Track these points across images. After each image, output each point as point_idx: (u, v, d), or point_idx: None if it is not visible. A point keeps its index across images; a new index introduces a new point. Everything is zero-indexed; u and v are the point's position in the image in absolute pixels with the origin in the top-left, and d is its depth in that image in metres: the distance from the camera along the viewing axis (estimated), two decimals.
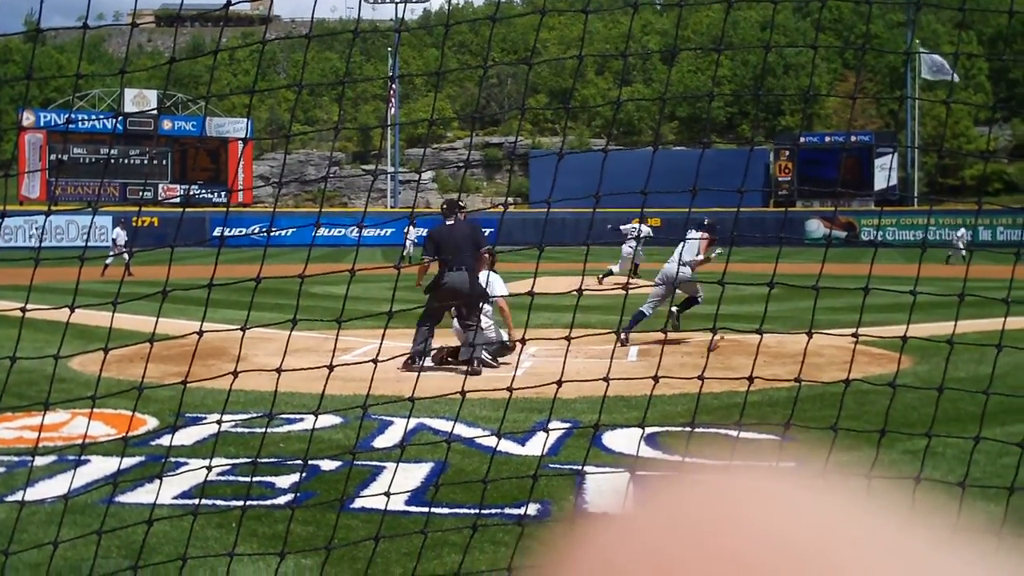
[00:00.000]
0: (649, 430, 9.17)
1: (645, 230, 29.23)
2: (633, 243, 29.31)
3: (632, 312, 15.59)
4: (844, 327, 6.52)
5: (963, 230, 51.82)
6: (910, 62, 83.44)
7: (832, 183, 74.00)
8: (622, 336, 14.99)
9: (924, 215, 71.56)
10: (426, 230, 15.14)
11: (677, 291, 15.80)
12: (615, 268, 29.85)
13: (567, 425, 9.76)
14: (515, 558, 5.35)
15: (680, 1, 5.58)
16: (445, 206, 14.63)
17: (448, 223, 14.32)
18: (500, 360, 14.21)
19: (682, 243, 16.09)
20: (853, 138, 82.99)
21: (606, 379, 4.91)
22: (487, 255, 14.28)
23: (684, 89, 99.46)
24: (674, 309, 15.51)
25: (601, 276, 28.42)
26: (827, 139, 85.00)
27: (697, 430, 8.46)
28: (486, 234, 15.53)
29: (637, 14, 5.19)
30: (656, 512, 0.49)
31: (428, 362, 13.42)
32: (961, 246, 45.72)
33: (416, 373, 7.10)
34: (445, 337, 14.30)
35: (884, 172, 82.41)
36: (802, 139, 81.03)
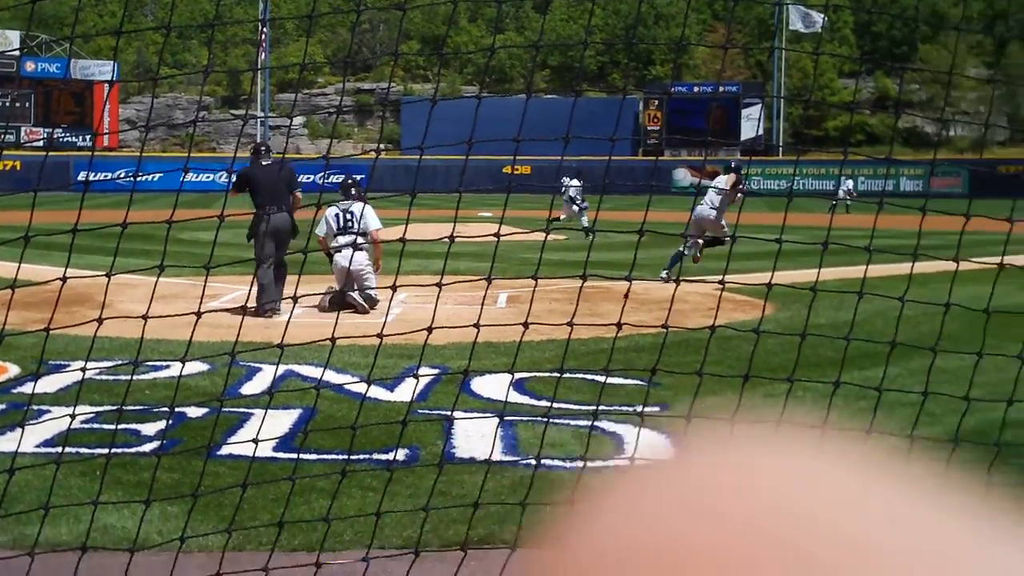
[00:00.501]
0: (518, 376, 9.23)
1: (567, 181, 29.38)
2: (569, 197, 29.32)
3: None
4: (710, 274, 6.63)
5: (850, 181, 52.71)
6: (779, 13, 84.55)
7: (700, 132, 74.83)
8: (663, 275, 16.60)
9: (790, 165, 72.83)
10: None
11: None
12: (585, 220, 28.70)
13: (436, 371, 9.80)
14: (384, 503, 5.37)
15: None
16: (254, 147, 14.59)
17: (263, 163, 14.17)
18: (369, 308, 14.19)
19: (713, 188, 17.61)
20: (721, 88, 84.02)
21: (476, 325, 4.94)
22: (299, 196, 14.25)
23: (556, 38, 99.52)
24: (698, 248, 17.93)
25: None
26: (696, 89, 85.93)
27: (565, 375, 8.56)
28: (358, 179, 15.53)
29: None
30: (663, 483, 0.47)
31: (299, 309, 13.33)
32: (844, 196, 46.57)
33: (286, 319, 7.06)
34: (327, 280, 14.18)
35: (751, 122, 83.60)
36: (672, 89, 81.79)
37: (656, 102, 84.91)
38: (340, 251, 14.00)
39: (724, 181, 18.11)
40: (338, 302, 13.30)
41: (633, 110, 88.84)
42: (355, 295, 13.96)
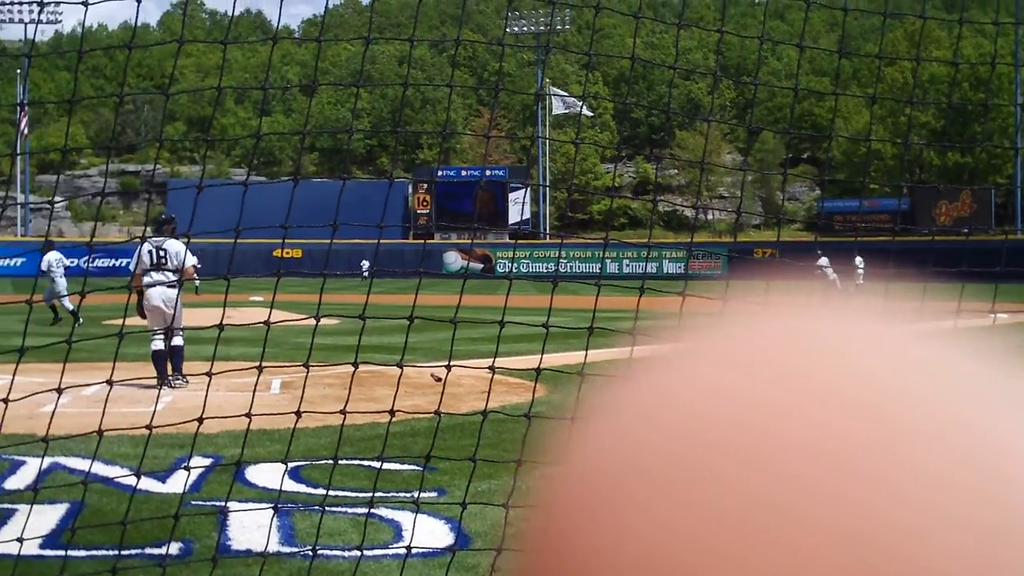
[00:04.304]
0: (292, 464, 9.16)
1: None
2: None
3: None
4: (482, 357, 6.73)
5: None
6: (541, 101, 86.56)
7: (469, 216, 75.76)
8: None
9: (555, 248, 74.24)
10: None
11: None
12: None
13: (209, 460, 9.62)
14: None
15: (319, 37, 5.67)
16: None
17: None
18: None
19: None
20: (488, 172, 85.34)
21: (248, 415, 4.91)
22: None
23: (324, 121, 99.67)
24: None
25: None
26: (463, 173, 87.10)
27: (341, 462, 8.53)
28: (173, 217, 15.65)
29: (276, 46, 5.24)
30: (722, 348, 0.42)
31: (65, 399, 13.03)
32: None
33: (52, 410, 6.87)
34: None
35: (518, 206, 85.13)
36: (439, 173, 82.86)
37: (425, 186, 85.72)
38: (153, 287, 14.15)
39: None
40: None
41: (403, 193, 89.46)
42: (176, 380, 14.08)
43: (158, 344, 14.30)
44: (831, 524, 0.35)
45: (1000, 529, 0.35)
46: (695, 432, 0.38)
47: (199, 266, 14.92)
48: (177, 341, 14.43)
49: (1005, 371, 0.39)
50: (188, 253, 14.63)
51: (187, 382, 13.87)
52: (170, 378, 14.01)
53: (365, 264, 31.28)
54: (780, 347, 0.40)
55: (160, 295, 14.25)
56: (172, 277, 14.26)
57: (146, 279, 14.35)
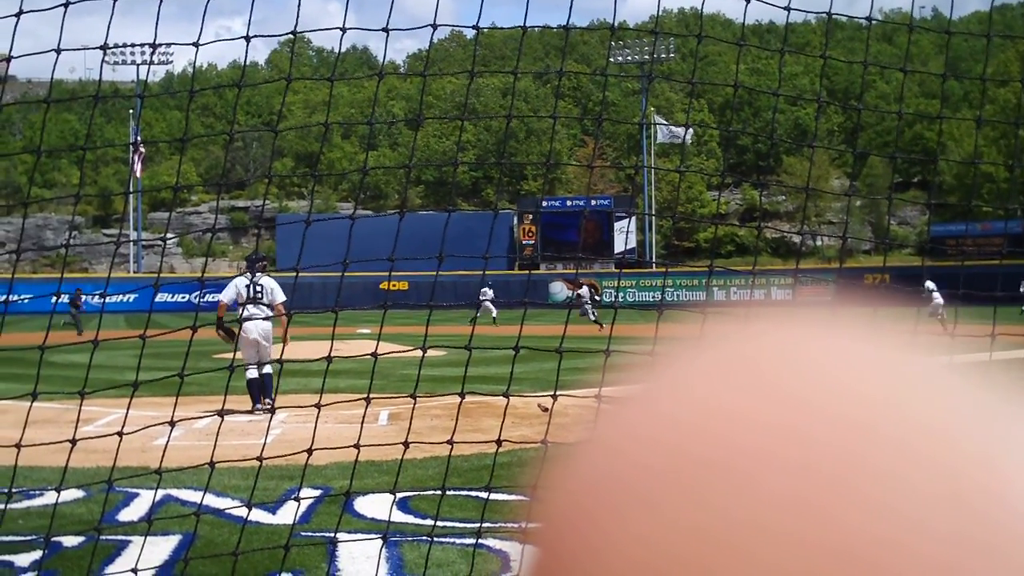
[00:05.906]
0: (401, 495, 9.18)
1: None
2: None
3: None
4: (588, 387, 6.70)
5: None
6: (645, 130, 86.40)
7: (574, 246, 75.72)
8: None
9: (661, 276, 73.87)
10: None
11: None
12: None
13: (318, 492, 9.69)
14: None
15: (424, 71, 5.71)
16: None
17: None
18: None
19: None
20: (593, 202, 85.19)
21: (356, 446, 4.93)
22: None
23: (430, 154, 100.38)
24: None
25: None
26: (568, 203, 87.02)
27: (448, 493, 8.54)
28: (263, 256, 16.58)
29: (382, 81, 5.29)
30: (705, 365, 0.43)
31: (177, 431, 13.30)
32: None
33: (164, 443, 6.96)
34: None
35: (623, 235, 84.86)
36: (544, 203, 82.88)
37: (530, 216, 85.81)
38: (251, 320, 14.77)
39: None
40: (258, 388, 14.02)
41: (508, 224, 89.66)
42: (261, 405, 14.60)
43: (252, 373, 14.84)
44: (806, 538, 0.36)
45: (971, 539, 0.37)
46: (680, 448, 0.40)
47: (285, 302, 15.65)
48: (267, 369, 14.95)
49: (992, 384, 0.41)
50: (280, 290, 15.30)
51: (272, 407, 14.24)
52: (258, 406, 14.63)
53: (490, 292, 33.88)
54: (768, 363, 0.42)
55: (257, 329, 15.00)
56: (266, 311, 14.83)
57: (244, 312, 14.91)
